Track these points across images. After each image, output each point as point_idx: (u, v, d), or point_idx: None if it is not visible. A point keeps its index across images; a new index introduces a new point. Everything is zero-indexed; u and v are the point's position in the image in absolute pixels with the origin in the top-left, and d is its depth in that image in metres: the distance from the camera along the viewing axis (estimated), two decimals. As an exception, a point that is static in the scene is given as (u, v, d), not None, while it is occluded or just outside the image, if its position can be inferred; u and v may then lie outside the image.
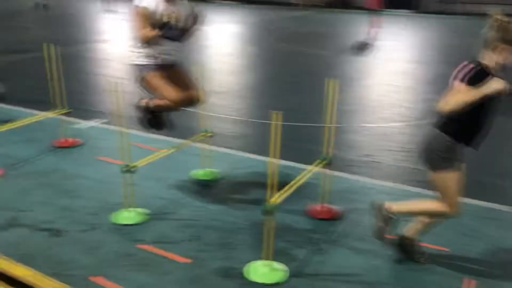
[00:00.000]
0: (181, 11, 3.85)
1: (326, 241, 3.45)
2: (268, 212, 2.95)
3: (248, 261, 3.14)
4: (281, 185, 3.42)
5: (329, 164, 3.72)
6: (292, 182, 3.47)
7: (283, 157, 4.92)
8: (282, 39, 14.21)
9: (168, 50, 3.88)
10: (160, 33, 3.71)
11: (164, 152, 4.25)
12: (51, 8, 21.45)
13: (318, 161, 3.74)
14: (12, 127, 5.04)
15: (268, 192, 2.96)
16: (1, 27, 15.37)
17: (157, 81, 3.83)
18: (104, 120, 6.13)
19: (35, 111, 6.08)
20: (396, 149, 5.41)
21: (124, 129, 3.61)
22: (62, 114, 5.16)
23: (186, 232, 3.53)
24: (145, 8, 3.64)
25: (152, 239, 3.41)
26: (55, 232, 3.48)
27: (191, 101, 4.06)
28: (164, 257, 3.19)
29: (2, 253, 3.13)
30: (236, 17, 20.75)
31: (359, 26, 16.25)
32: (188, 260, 3.16)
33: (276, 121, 2.76)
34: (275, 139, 2.82)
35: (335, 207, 3.87)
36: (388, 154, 5.28)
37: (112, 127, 5.86)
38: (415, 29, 17.91)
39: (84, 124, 5.95)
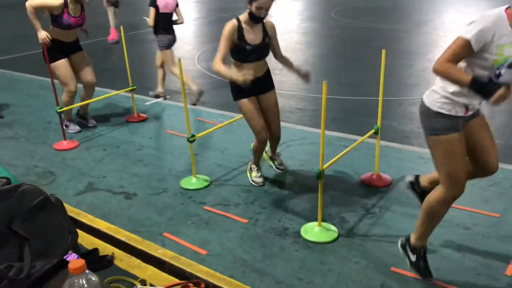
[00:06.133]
0: None
1: (377, 206, 3.61)
2: (320, 176, 3.15)
3: (301, 223, 3.38)
4: (335, 154, 3.61)
5: (377, 134, 3.86)
6: (344, 151, 3.66)
7: (340, 129, 5.11)
8: (344, 14, 14.08)
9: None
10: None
11: (222, 125, 4.53)
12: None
13: (370, 131, 3.89)
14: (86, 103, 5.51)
15: (320, 159, 3.15)
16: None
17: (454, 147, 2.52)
18: (168, 97, 6.53)
19: (107, 89, 6.57)
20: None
21: (186, 105, 3.91)
22: (130, 91, 5.59)
23: (244, 196, 3.81)
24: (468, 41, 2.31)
25: (214, 202, 3.73)
26: (128, 195, 3.88)
27: None
28: (225, 217, 3.50)
29: (85, 211, 3.55)
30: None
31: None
32: (246, 220, 3.45)
33: (324, 92, 2.94)
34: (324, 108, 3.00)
35: (387, 176, 4.00)
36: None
37: (174, 103, 6.26)
38: None
39: (150, 100, 6.37)
